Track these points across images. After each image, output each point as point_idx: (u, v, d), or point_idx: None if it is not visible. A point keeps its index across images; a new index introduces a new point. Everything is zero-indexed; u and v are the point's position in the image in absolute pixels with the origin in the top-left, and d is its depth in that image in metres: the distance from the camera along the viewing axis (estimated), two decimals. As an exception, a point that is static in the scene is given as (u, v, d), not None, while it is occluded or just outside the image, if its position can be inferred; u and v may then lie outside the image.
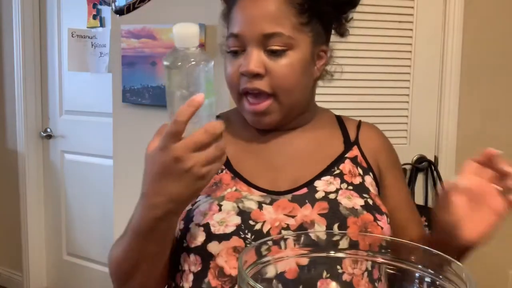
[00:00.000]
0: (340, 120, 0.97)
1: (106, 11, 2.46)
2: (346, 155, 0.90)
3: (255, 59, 0.81)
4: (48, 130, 2.86)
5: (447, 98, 1.88)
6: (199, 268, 0.79)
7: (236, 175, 0.86)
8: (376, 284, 0.74)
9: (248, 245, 0.76)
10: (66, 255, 2.89)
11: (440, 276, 0.57)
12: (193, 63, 0.64)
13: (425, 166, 1.89)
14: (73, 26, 2.52)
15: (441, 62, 1.88)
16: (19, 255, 2.92)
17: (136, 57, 1.86)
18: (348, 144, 0.92)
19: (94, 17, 2.52)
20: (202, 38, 1.69)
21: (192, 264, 0.80)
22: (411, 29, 1.84)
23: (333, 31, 0.91)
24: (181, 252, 0.82)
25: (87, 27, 2.52)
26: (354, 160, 0.89)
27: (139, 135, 2.03)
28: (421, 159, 1.88)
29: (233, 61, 0.84)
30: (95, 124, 2.64)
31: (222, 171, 0.87)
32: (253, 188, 0.84)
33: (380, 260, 0.65)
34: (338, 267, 0.72)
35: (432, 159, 1.89)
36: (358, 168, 0.89)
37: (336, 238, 0.69)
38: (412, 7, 1.84)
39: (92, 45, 2.49)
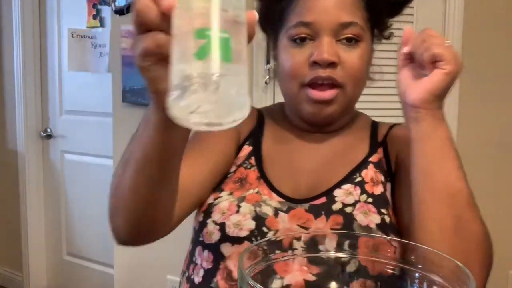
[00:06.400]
0: (374, 124, 0.94)
1: (106, 11, 2.47)
2: (370, 159, 0.86)
3: (330, 47, 0.79)
4: (48, 130, 2.85)
5: (447, 98, 1.88)
6: (210, 266, 0.79)
7: (262, 176, 0.85)
8: None
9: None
10: (66, 255, 2.90)
11: (440, 276, 0.57)
12: None
13: (425, 166, 1.89)
14: (73, 26, 2.52)
15: (441, 62, 1.88)
16: (19, 255, 2.92)
17: (136, 57, 1.86)
18: (374, 146, 0.88)
19: (94, 17, 2.52)
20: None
21: (204, 260, 0.80)
22: (411, 29, 1.84)
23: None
24: (197, 245, 0.82)
25: (87, 27, 2.52)
26: (378, 164, 0.85)
27: (139, 135, 2.03)
28: (421, 159, 1.88)
29: (298, 50, 0.81)
30: (95, 124, 2.64)
31: (251, 168, 0.86)
32: (274, 193, 0.83)
33: (380, 260, 0.65)
34: None
35: (432, 159, 1.89)
36: (381, 174, 0.84)
37: (344, 259, 0.68)
38: (412, 7, 1.84)
39: (92, 45, 2.49)
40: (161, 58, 0.47)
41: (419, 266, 0.60)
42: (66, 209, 2.85)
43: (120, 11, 1.91)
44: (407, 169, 0.77)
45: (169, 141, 0.60)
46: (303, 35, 0.80)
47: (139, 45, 0.49)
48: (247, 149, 0.89)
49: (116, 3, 1.92)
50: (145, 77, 0.51)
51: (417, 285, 0.60)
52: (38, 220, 2.91)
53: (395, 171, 0.85)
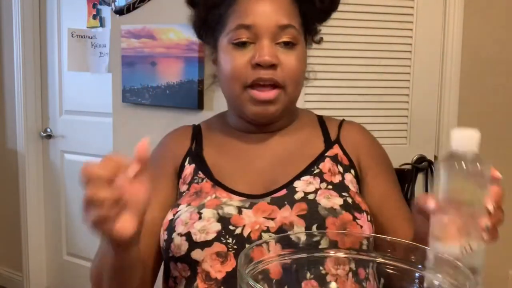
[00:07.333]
0: (321, 120, 0.98)
1: (106, 11, 2.46)
2: (326, 154, 0.90)
3: (271, 50, 0.82)
4: (48, 130, 2.85)
5: (447, 98, 1.88)
6: (189, 274, 0.81)
7: (216, 183, 0.87)
8: (364, 284, 0.75)
9: (230, 250, 0.79)
10: (66, 255, 2.89)
11: (440, 276, 0.57)
12: (473, 167, 0.61)
13: (425, 166, 1.89)
14: (73, 26, 2.52)
15: (441, 62, 1.88)
16: (19, 255, 2.91)
17: (136, 57, 1.86)
18: (329, 143, 0.92)
19: (94, 17, 2.52)
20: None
21: (182, 270, 0.82)
22: (411, 29, 1.84)
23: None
24: (169, 261, 0.84)
25: (87, 27, 2.52)
26: (334, 158, 0.90)
27: (139, 135, 2.03)
28: (421, 159, 1.88)
29: (240, 52, 0.84)
30: (95, 124, 2.64)
31: (202, 181, 0.88)
32: (232, 194, 0.85)
33: (380, 260, 0.65)
34: (321, 268, 0.73)
35: (432, 159, 1.89)
36: (338, 166, 0.89)
37: (316, 238, 0.70)
38: (412, 7, 1.84)
39: (92, 45, 2.49)
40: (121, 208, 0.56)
41: (419, 266, 0.60)
42: (66, 209, 2.85)
43: (120, 11, 1.91)
44: (372, 173, 0.90)
45: (127, 257, 0.68)
46: (243, 39, 0.84)
47: (101, 197, 0.54)
48: (190, 167, 0.91)
49: (116, 3, 1.92)
50: (107, 229, 0.57)
51: (417, 285, 0.60)
52: (38, 220, 2.91)
53: (362, 176, 0.91)
